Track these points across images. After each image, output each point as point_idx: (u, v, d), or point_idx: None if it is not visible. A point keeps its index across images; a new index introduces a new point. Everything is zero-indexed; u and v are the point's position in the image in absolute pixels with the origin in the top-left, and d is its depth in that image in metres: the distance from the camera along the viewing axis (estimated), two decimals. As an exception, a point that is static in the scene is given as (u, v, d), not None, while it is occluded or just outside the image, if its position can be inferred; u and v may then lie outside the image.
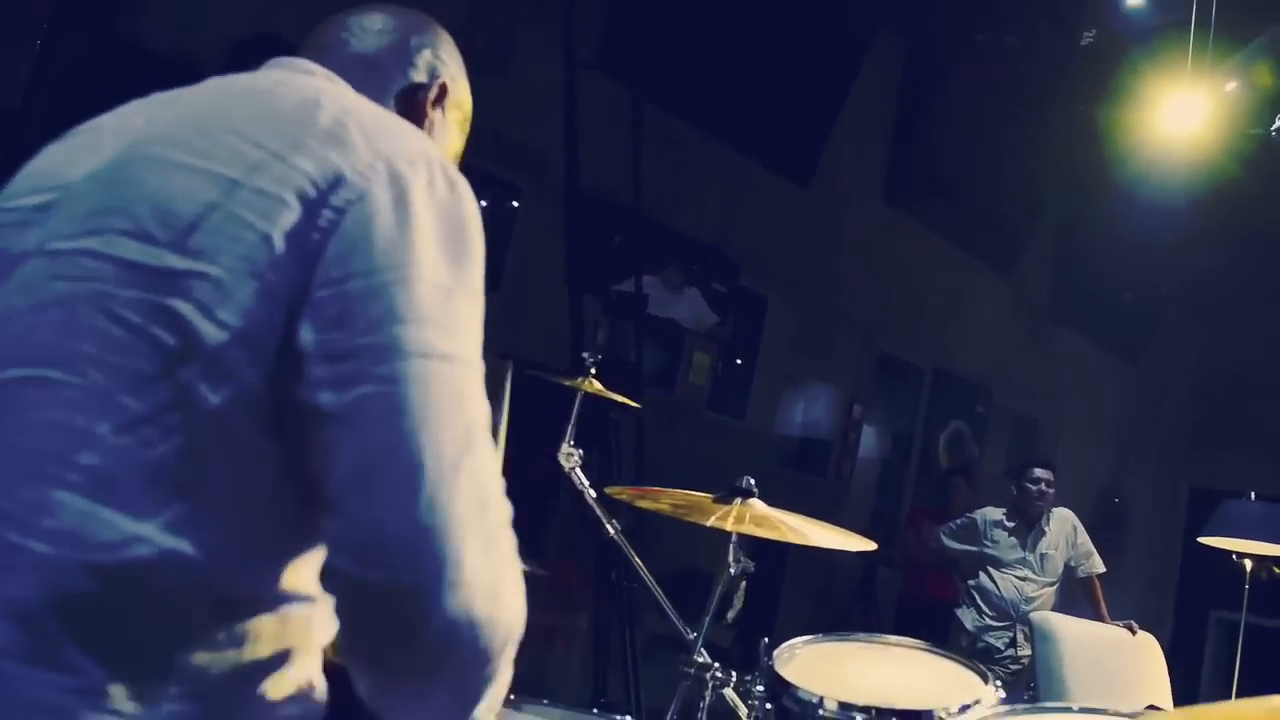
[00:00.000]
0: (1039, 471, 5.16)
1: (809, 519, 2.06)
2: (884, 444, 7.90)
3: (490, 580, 0.80)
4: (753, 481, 2.04)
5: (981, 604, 5.26)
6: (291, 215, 0.82)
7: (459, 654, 0.79)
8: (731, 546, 2.04)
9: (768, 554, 6.28)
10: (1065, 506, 5.26)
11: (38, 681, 0.74)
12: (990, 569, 5.22)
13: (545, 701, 1.71)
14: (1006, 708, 1.48)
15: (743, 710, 1.80)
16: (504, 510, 0.84)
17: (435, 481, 0.78)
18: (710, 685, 1.87)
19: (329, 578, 0.83)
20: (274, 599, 0.84)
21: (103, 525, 0.77)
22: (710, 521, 1.96)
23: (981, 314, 7.96)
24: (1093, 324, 8.79)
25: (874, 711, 1.48)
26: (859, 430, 7.20)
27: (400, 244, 0.83)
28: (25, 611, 0.75)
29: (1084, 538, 5.21)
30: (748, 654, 1.91)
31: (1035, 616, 4.97)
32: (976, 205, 7.52)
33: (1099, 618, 5.11)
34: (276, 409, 0.81)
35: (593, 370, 2.18)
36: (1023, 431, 8.31)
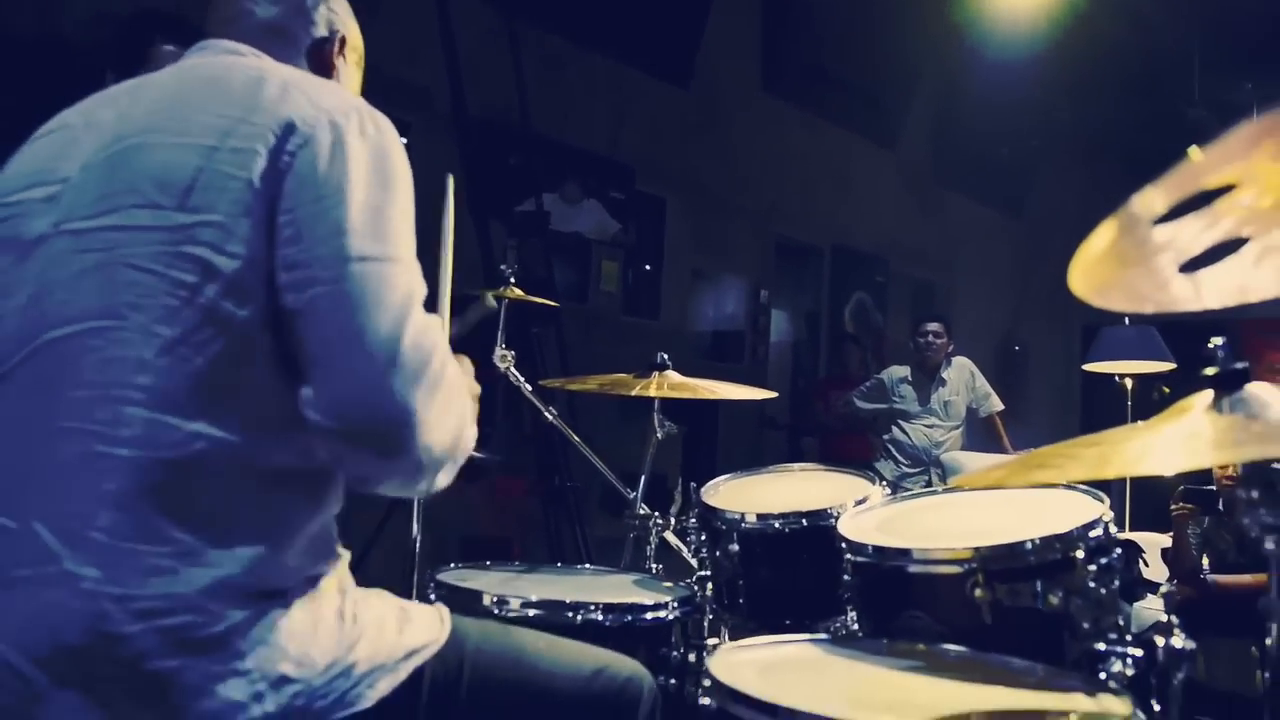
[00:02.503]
0: (929, 325, 5.57)
1: (717, 380, 2.34)
2: (794, 324, 8.28)
3: (438, 415, 1.04)
4: (667, 357, 2.31)
5: (897, 455, 5.68)
6: (261, 161, 1.03)
7: (422, 470, 1.05)
8: (655, 414, 2.33)
9: (701, 433, 6.59)
10: (969, 358, 5.67)
11: (147, 552, 0.97)
12: (901, 421, 5.64)
13: (515, 563, 1.98)
14: (890, 497, 1.80)
15: (682, 548, 2.10)
16: (447, 360, 1.07)
17: (378, 352, 1.00)
18: (653, 531, 2.16)
19: (314, 433, 1.04)
20: (298, 469, 1.07)
21: (166, 428, 0.99)
22: (634, 391, 2.23)
23: (870, 188, 8.30)
24: (975, 185, 9.21)
25: (785, 516, 1.78)
26: (768, 314, 7.53)
27: (338, 176, 1.05)
28: (124, 501, 0.97)
29: (981, 381, 5.65)
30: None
31: (945, 457, 5.43)
32: (853, 84, 7.78)
33: (1003, 450, 5.57)
34: (276, 319, 1.03)
35: (511, 280, 2.39)
36: (922, 295, 8.76)
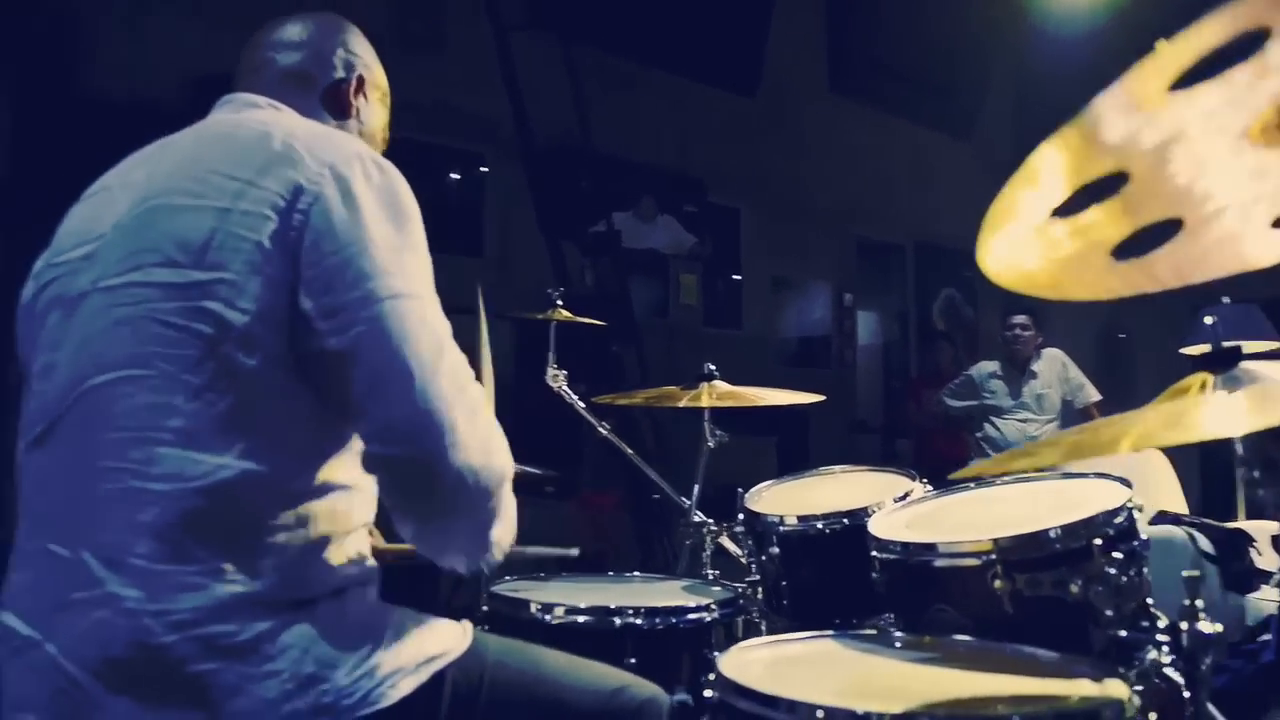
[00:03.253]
0: (1015, 319, 5.44)
1: (765, 388, 2.37)
2: (883, 326, 8.19)
3: (480, 438, 1.13)
4: (713, 367, 2.36)
5: (990, 452, 5.56)
6: (271, 224, 1.13)
7: (466, 495, 1.12)
8: (705, 424, 2.38)
9: (792, 442, 6.57)
10: (1070, 348, 5.52)
11: (180, 572, 1.07)
12: (993, 418, 5.52)
13: (563, 574, 2.05)
14: (931, 491, 1.81)
15: (738, 550, 2.14)
16: (479, 391, 1.16)
17: (423, 378, 1.10)
18: (708, 537, 2.21)
19: (368, 461, 1.15)
20: (321, 490, 1.17)
21: (194, 464, 1.09)
22: (682, 403, 2.29)
23: (950, 181, 8.17)
24: (1063, 169, 8.94)
25: (826, 516, 1.80)
26: (853, 317, 7.48)
27: (354, 224, 1.14)
28: (159, 530, 1.08)
29: (1075, 371, 5.49)
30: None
31: (1039, 451, 5.29)
32: (922, 77, 7.69)
33: (1100, 441, 5.38)
34: (297, 360, 1.13)
35: (559, 302, 2.47)
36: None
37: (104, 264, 1.18)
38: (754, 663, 1.22)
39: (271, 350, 1.12)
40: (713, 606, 1.73)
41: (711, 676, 1.15)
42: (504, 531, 1.21)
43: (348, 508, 1.21)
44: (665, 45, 6.30)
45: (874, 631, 1.39)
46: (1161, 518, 4.42)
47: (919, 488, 1.86)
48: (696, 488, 2.33)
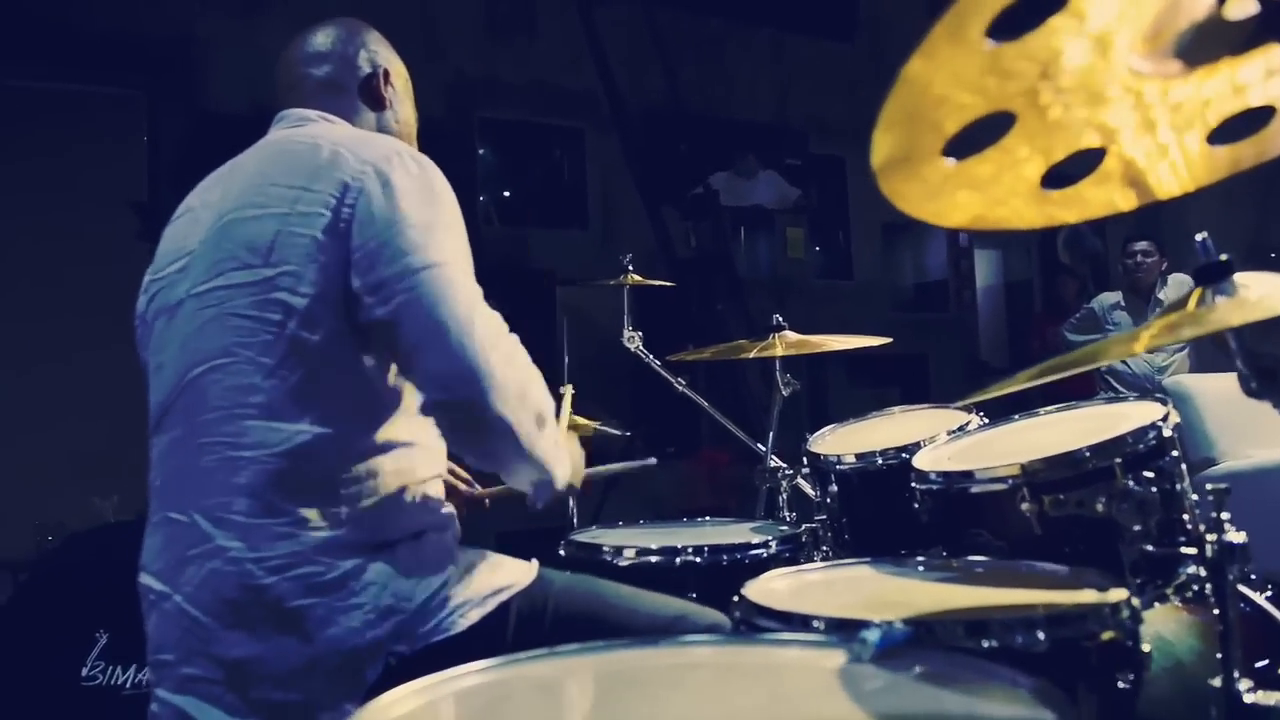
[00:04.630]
0: (1136, 245, 5.24)
1: (835, 334, 2.43)
2: (1005, 264, 7.97)
3: (516, 379, 1.29)
4: (780, 318, 2.44)
5: (1118, 386, 5.39)
6: (325, 219, 1.31)
7: (511, 426, 1.29)
8: (776, 373, 2.46)
9: (912, 388, 6.50)
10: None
11: (273, 524, 1.27)
12: (1117, 350, 5.34)
13: (641, 521, 2.19)
14: (984, 424, 1.85)
15: (811, 491, 2.22)
16: (513, 342, 1.32)
17: (458, 332, 1.26)
18: (784, 481, 2.30)
19: (426, 408, 1.33)
20: (385, 447, 1.34)
21: (275, 432, 1.29)
22: (753, 354, 2.38)
23: (1069, 108, 7.82)
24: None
25: (883, 453, 1.87)
26: (970, 257, 7.31)
27: (391, 210, 1.31)
28: (253, 490, 1.28)
29: (1205, 296, 5.24)
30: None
31: (1168, 382, 5.10)
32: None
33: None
34: (354, 332, 1.31)
35: (629, 267, 2.59)
36: (1146, 210, 8.12)
37: (194, 274, 1.38)
38: (779, 588, 1.33)
39: (332, 326, 1.30)
40: (773, 542, 1.83)
41: (736, 599, 1.26)
42: (559, 462, 1.38)
43: (411, 462, 1.38)
44: (753, 0, 6.28)
45: (899, 559, 1.47)
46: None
47: (975, 421, 1.90)
48: (771, 434, 2.42)
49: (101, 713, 2.61)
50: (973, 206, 0.91)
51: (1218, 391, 4.87)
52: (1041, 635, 1.07)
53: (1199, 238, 1.21)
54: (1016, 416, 1.81)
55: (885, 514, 1.86)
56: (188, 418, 1.34)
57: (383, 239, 1.29)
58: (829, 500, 1.97)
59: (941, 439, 1.83)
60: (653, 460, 2.08)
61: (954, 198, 0.87)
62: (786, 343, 2.40)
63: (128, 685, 2.54)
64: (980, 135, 0.82)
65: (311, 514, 1.28)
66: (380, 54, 1.60)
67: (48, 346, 4.27)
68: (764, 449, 2.42)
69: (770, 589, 1.32)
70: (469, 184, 5.67)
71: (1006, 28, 0.73)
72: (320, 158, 1.36)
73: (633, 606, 1.45)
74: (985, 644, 1.04)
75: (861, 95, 6.88)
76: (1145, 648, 1.14)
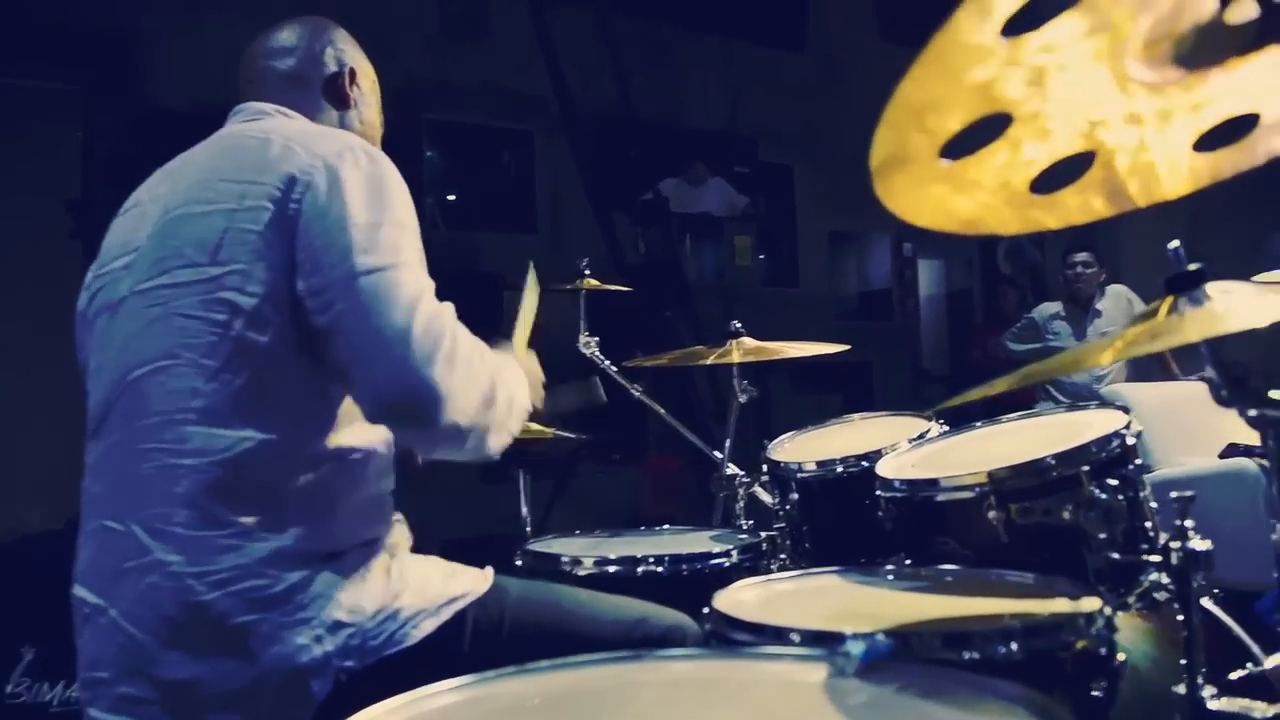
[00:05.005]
0: (1076, 256, 5.35)
1: (790, 341, 2.42)
2: (946, 274, 8.09)
3: (458, 384, 1.22)
4: (739, 324, 2.42)
5: (1057, 395, 5.49)
6: (269, 213, 1.25)
7: (458, 432, 1.23)
8: (734, 380, 2.44)
9: (856, 397, 6.56)
10: (1143, 283, 5.40)
11: (216, 536, 1.20)
12: (1058, 360, 5.44)
13: (597, 531, 2.15)
14: (943, 432, 1.85)
15: (768, 499, 2.20)
16: (459, 340, 1.25)
17: (399, 343, 1.19)
18: (740, 489, 2.28)
19: (368, 419, 1.26)
20: (335, 455, 1.28)
21: (218, 438, 1.22)
22: (710, 360, 2.36)
23: (1010, 122, 7.98)
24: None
25: (844, 460, 1.86)
26: (914, 267, 7.41)
27: (337, 209, 1.24)
28: (193, 499, 1.21)
29: (1141, 307, 5.37)
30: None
31: (1105, 391, 5.21)
32: (973, 18, 7.50)
33: (1172, 378, 5.28)
34: (299, 337, 1.24)
35: (586, 272, 2.55)
36: (1082, 227, 8.33)
37: (138, 271, 1.31)
38: (749, 599, 1.30)
39: (280, 328, 1.24)
40: (735, 552, 1.81)
41: (706, 611, 1.23)
42: (499, 440, 1.32)
43: (364, 470, 1.32)
44: (705, 7, 6.29)
45: (867, 568, 1.45)
46: (1232, 450, 4.34)
47: (935, 429, 1.90)
48: (729, 442, 2.40)
49: (28, 730, 2.50)
50: (959, 210, 0.89)
51: (1152, 401, 4.99)
52: (1017, 646, 1.06)
53: (1171, 246, 1.21)
54: (978, 424, 1.81)
55: (847, 522, 1.85)
56: (127, 422, 1.27)
57: (327, 238, 1.23)
58: (789, 508, 1.95)
59: (903, 446, 1.82)
60: (599, 387, 2.04)
61: (942, 200, 0.86)
62: (744, 349, 2.38)
63: (55, 703, 2.44)
64: (977, 138, 0.80)
65: (256, 525, 1.21)
66: (347, 53, 1.55)
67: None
68: (720, 456, 2.39)
69: (739, 600, 1.29)
70: (416, 186, 5.58)
71: (1015, 25, 0.71)
72: (270, 152, 1.30)
73: (593, 612, 1.41)
74: (966, 655, 1.03)
75: (811, 105, 6.94)
76: (1120, 657, 1.13)
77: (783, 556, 1.96)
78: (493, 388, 1.28)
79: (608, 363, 2.52)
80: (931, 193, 0.84)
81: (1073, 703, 1.13)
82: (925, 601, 1.26)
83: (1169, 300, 1.24)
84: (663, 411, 2.56)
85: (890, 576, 1.38)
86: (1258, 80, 0.87)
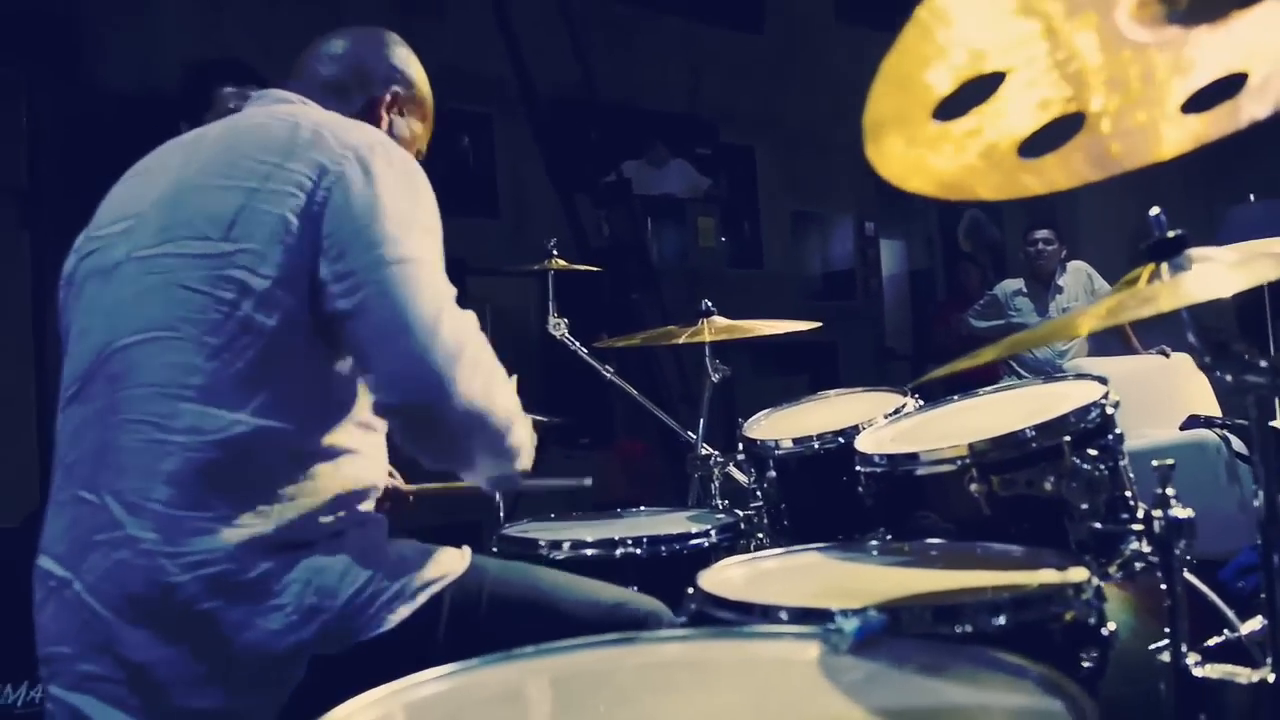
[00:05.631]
0: (1037, 234, 5.40)
1: (761, 320, 2.41)
2: (908, 253, 8.14)
3: (479, 387, 1.20)
4: (710, 303, 2.40)
5: (1021, 371, 5.54)
6: (297, 200, 1.21)
7: (471, 438, 1.22)
8: (707, 359, 2.43)
9: (822, 374, 6.61)
10: (1097, 259, 5.46)
11: (194, 518, 1.16)
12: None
13: (575, 514, 2.12)
14: (921, 406, 1.84)
15: (743, 478, 2.19)
16: (481, 345, 1.23)
17: (423, 334, 1.17)
18: (715, 469, 2.26)
19: (378, 409, 1.24)
20: (328, 452, 1.25)
21: (212, 419, 1.18)
22: (682, 340, 2.34)
23: (968, 101, 8.03)
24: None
25: (821, 437, 1.85)
26: (876, 246, 7.44)
27: (371, 198, 1.22)
28: (179, 479, 1.16)
29: (1101, 283, 5.44)
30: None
31: (1068, 365, 5.28)
32: (931, -3, 7.53)
33: (1132, 351, 5.36)
34: (314, 322, 1.21)
35: (554, 253, 2.52)
36: (1040, 203, 8.43)
37: (140, 237, 1.27)
38: (734, 577, 1.28)
39: (291, 311, 1.20)
40: (713, 532, 1.79)
41: (691, 590, 1.21)
42: (526, 456, 1.32)
43: (353, 470, 1.29)
44: (665, -13, 6.25)
45: (850, 544, 1.44)
46: (1193, 421, 4.40)
47: (910, 403, 1.89)
48: (702, 422, 2.39)
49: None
50: (946, 173, 0.87)
51: (1115, 374, 5.03)
52: (1006, 618, 1.05)
53: (1152, 213, 1.20)
54: (955, 397, 1.80)
55: (826, 498, 1.84)
56: (112, 390, 1.22)
57: (358, 226, 1.21)
58: (766, 486, 1.94)
59: (880, 421, 1.82)
60: (588, 481, 2.04)
61: (929, 162, 0.84)
62: (715, 328, 2.37)
63: (19, 704, 2.37)
64: (968, 99, 0.78)
65: (237, 511, 1.17)
66: (400, 75, 1.51)
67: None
68: (695, 437, 2.38)
69: (725, 578, 1.27)
70: (375, 171, 5.51)
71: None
72: (300, 136, 1.27)
73: (570, 594, 1.39)
74: (957, 629, 1.01)
75: (771, 85, 6.93)
76: (1110, 626, 1.13)
77: (760, 535, 1.95)
78: (510, 409, 1.27)
79: (577, 344, 2.49)
80: (920, 155, 0.81)
81: (1063, 674, 1.12)
82: (912, 576, 1.25)
83: (1149, 267, 1.23)
84: (635, 392, 2.53)
85: (875, 552, 1.37)
86: (1247, 38, 0.86)
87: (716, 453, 2.29)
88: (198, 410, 1.18)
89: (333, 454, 1.26)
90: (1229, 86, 0.92)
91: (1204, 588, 1.66)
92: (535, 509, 2.22)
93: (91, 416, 1.23)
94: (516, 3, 5.02)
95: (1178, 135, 0.94)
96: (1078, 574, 1.14)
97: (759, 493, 1.99)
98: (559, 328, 2.46)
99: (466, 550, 1.37)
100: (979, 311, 5.68)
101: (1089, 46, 0.78)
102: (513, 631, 1.14)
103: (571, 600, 1.38)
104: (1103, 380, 1.56)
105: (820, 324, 2.40)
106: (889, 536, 1.60)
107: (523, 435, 1.31)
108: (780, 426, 2.05)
